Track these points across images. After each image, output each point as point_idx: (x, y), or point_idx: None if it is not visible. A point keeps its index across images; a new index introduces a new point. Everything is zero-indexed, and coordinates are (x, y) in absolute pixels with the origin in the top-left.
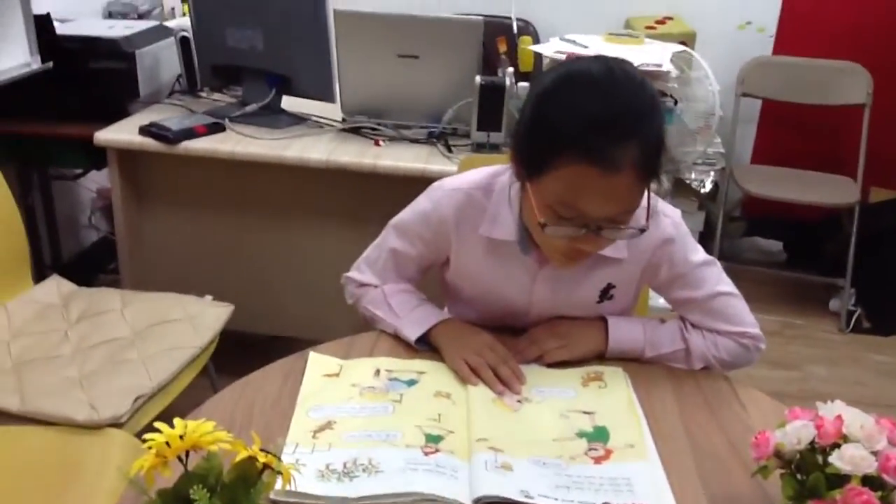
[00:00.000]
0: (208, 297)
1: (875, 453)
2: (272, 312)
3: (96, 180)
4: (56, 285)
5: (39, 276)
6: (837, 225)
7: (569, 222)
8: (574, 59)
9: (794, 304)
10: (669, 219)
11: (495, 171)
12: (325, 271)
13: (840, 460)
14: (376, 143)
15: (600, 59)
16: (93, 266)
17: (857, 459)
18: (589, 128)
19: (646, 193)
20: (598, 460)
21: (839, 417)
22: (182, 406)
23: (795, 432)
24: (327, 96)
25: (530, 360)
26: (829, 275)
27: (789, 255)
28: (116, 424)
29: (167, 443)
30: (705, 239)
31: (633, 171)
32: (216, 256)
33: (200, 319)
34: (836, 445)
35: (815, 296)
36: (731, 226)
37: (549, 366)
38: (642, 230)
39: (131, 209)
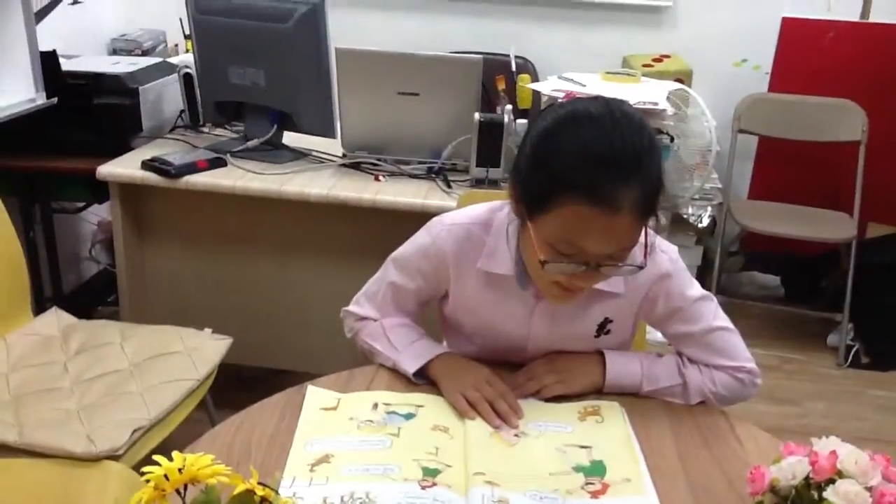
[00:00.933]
0: (207, 331)
1: (869, 489)
2: (271, 346)
3: (97, 213)
4: (56, 318)
5: (39, 308)
6: (835, 260)
7: (568, 259)
8: (574, 100)
9: (792, 339)
10: (666, 254)
11: (494, 206)
12: (325, 305)
13: (835, 496)
14: (376, 179)
15: (600, 100)
16: (92, 299)
17: (851, 495)
18: (590, 168)
19: (644, 231)
20: (595, 494)
21: (834, 453)
22: (180, 439)
23: (790, 467)
24: (328, 132)
25: (528, 395)
26: (827, 310)
27: (787, 290)
28: (114, 457)
29: (166, 476)
30: (703, 274)
31: (633, 210)
32: (216, 290)
33: (199, 352)
34: (831, 481)
35: (813, 330)
36: (729, 261)
37: (547, 400)
38: (640, 267)
39: (132, 242)
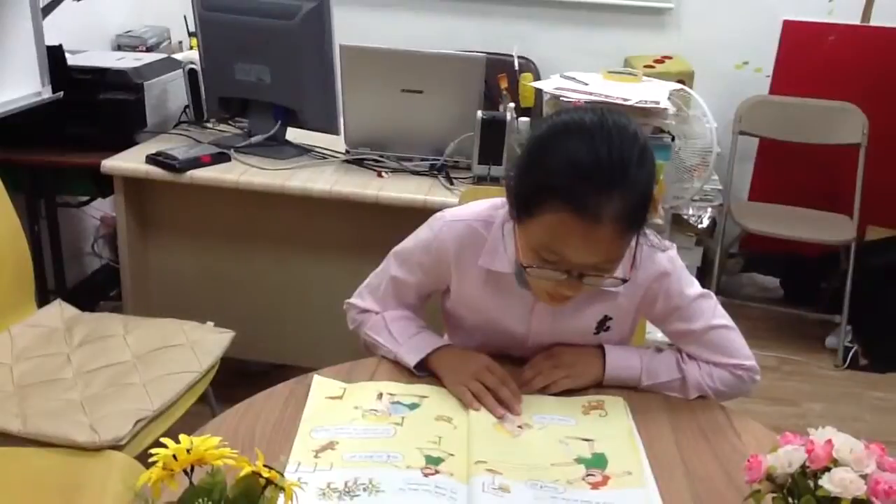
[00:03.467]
0: (210, 324)
1: (864, 477)
2: (273, 340)
3: (100, 208)
4: (59, 310)
5: (43, 301)
6: (834, 262)
7: (551, 266)
8: (572, 109)
9: (791, 341)
10: (665, 253)
11: (496, 203)
12: (327, 300)
13: (830, 483)
14: (379, 175)
15: (595, 110)
16: (95, 293)
17: (846, 482)
18: (573, 176)
19: (632, 243)
20: (595, 486)
21: (829, 442)
22: (182, 432)
23: (787, 456)
24: (332, 128)
25: (536, 391)
26: (825, 311)
27: (786, 292)
28: (117, 447)
29: (174, 456)
30: (703, 275)
31: (616, 221)
32: (218, 284)
33: (202, 345)
34: (827, 469)
35: (811, 332)
36: (729, 262)
37: (551, 394)
38: (624, 280)
39: (135, 236)
